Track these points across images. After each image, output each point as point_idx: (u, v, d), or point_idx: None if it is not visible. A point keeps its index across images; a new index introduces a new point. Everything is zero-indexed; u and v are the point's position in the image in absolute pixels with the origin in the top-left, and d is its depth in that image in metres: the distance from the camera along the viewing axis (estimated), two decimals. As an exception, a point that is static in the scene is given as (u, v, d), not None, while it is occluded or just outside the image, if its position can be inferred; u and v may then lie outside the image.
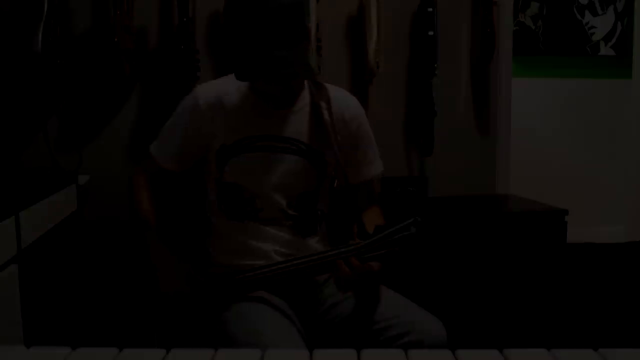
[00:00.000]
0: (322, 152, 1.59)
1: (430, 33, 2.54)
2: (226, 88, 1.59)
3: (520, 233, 2.39)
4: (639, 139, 4.12)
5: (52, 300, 1.85)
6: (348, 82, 2.54)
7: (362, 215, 1.63)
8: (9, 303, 1.51)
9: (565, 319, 2.46)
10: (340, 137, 1.60)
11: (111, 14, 2.22)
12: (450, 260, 2.32)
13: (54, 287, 1.88)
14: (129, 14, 2.23)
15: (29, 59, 2.07)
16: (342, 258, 1.37)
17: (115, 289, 2.28)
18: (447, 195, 2.64)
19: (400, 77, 2.63)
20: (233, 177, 1.57)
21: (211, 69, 2.40)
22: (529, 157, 3.75)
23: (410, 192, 2.54)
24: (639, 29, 4.10)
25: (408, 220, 1.33)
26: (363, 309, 1.49)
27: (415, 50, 2.61)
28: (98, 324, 2.24)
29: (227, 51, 1.49)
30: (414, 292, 1.60)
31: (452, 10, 2.66)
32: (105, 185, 2.33)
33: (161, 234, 1.59)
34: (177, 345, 0.89)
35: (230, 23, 1.46)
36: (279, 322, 1.43)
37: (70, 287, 2.05)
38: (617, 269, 3.50)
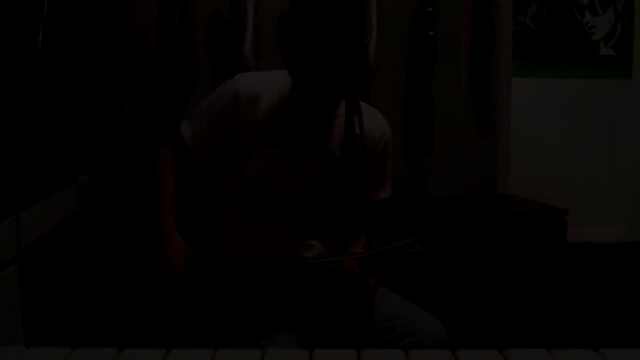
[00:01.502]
0: (347, 163, 1.60)
1: (430, 33, 2.54)
2: (268, 83, 1.60)
3: (520, 233, 2.39)
4: (639, 139, 4.12)
5: (52, 300, 1.85)
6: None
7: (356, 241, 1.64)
8: (9, 303, 1.51)
9: (565, 319, 2.46)
10: (366, 153, 1.60)
11: (111, 14, 2.22)
12: (451, 260, 2.32)
13: (54, 287, 1.88)
14: (129, 14, 2.23)
15: (30, 59, 2.07)
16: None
17: (115, 288, 2.28)
18: (447, 195, 2.64)
19: (400, 77, 2.63)
20: (256, 170, 1.57)
21: (211, 68, 2.40)
22: (529, 157, 3.75)
23: (410, 192, 2.54)
24: (639, 29, 4.10)
25: (415, 237, 1.35)
26: (363, 311, 1.49)
27: (415, 50, 2.61)
28: (98, 324, 2.24)
29: (286, 47, 1.50)
30: (415, 292, 1.60)
31: (452, 10, 2.66)
32: (106, 185, 2.34)
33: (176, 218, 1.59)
34: (177, 344, 0.89)
35: (293, 22, 1.47)
36: (278, 322, 1.43)
37: (70, 287, 2.05)
38: (617, 269, 3.50)
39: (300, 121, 1.57)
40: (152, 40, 2.39)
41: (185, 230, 1.61)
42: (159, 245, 1.53)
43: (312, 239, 1.62)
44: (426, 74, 2.57)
